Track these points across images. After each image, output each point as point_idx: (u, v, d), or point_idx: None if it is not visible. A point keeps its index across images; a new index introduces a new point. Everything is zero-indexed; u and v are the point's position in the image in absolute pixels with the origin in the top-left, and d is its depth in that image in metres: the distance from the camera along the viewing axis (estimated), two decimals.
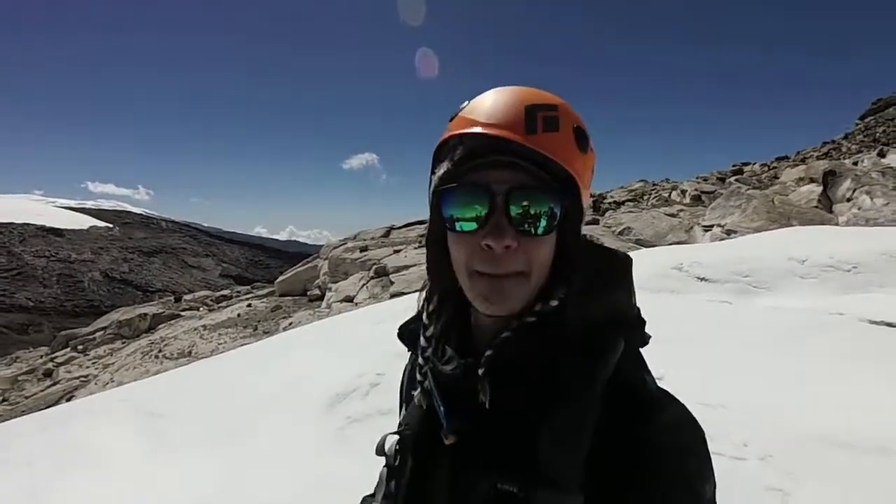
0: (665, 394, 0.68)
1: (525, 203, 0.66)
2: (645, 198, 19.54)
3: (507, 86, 0.72)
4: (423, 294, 0.82)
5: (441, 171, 0.71)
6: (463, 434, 0.69)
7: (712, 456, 0.65)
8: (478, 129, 0.68)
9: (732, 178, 18.69)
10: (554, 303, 0.69)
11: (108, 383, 12.68)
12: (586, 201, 0.73)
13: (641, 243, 13.33)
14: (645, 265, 6.36)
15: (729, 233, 12.61)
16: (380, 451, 0.81)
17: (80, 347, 18.09)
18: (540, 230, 0.67)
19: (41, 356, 19.54)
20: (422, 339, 0.78)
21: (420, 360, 0.77)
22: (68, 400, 11.51)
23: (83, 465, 3.79)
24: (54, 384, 14.63)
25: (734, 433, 2.76)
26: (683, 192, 18.70)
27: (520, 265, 0.67)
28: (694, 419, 0.66)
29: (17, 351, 23.45)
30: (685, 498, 0.61)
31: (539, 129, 0.66)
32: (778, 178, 17.74)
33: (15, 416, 9.13)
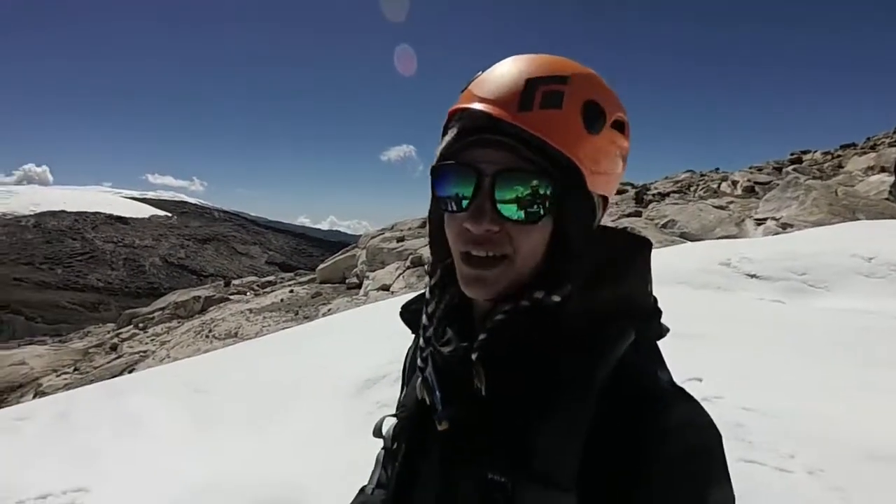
0: (678, 390, 0.62)
1: (512, 187, 0.61)
2: (692, 189, 18.57)
3: (529, 54, 0.67)
4: (426, 268, 0.79)
5: (440, 146, 0.68)
6: (456, 420, 0.66)
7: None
8: (475, 105, 0.63)
9: (790, 168, 17.44)
10: (556, 298, 0.63)
11: (164, 359, 13.51)
12: (600, 187, 0.66)
13: (686, 237, 12.74)
14: (689, 260, 6.08)
15: (784, 226, 11.85)
16: (377, 433, 0.79)
17: (141, 325, 19.33)
18: (525, 216, 0.62)
19: (108, 332, 21.05)
20: (423, 316, 0.75)
21: (422, 342, 0.74)
22: (130, 372, 12.34)
23: (136, 432, 4.08)
24: (118, 357, 15.75)
25: (780, 443, 2.58)
26: (734, 182, 17.66)
27: (504, 248, 0.63)
28: (709, 419, 0.60)
29: (88, 326, 25.39)
30: (689, 502, 0.56)
31: (535, 106, 0.60)
32: (843, 167, 16.45)
33: (83, 385, 9.89)
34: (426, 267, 0.75)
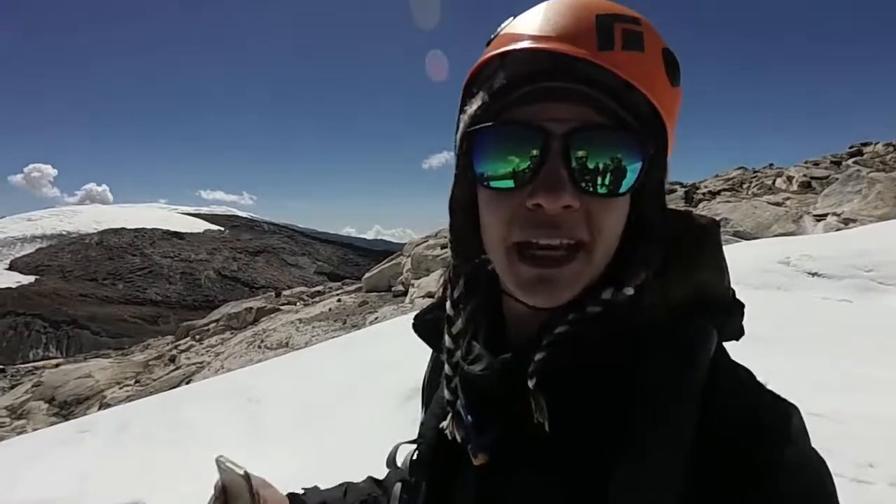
0: (778, 396, 0.50)
1: (593, 149, 0.47)
2: (744, 186, 17.71)
3: None
4: (445, 276, 0.63)
5: (474, 106, 0.52)
6: (496, 453, 0.54)
7: None
8: (526, 44, 0.49)
9: (850, 161, 16.36)
10: (629, 290, 0.51)
11: (219, 369, 14.05)
12: (672, 151, 0.54)
13: (741, 235, 12.16)
14: (745, 259, 5.81)
15: (847, 222, 11.15)
16: (390, 463, 0.68)
17: (197, 337, 20.21)
18: (612, 188, 0.48)
19: (167, 344, 22.11)
20: (446, 337, 0.59)
21: (448, 369, 0.60)
22: (187, 383, 12.91)
23: (191, 442, 4.24)
24: (177, 369, 16.49)
25: (856, 451, 2.42)
26: (790, 178, 16.72)
27: (581, 234, 0.49)
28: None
29: (149, 339, 26.80)
30: None
31: (617, 45, 0.48)
32: None
33: (144, 396, 10.44)
34: (446, 274, 0.61)
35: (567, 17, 0.49)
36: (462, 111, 0.55)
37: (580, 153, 0.47)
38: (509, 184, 0.50)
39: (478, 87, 0.53)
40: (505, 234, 0.51)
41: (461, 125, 0.54)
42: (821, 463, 0.47)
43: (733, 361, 0.52)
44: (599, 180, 0.48)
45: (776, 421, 0.46)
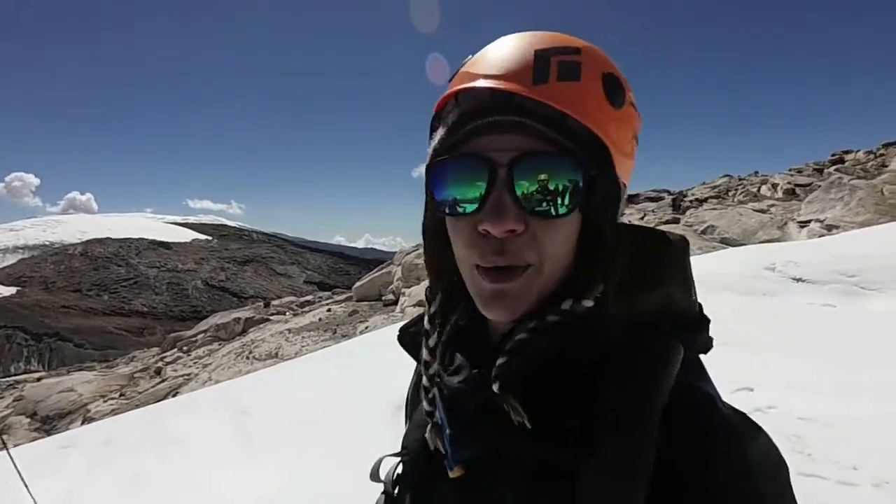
0: (744, 418, 0.52)
1: (534, 174, 0.51)
2: (730, 194, 18.03)
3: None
4: (425, 293, 0.67)
5: (434, 140, 0.58)
6: (472, 465, 0.56)
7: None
8: (475, 83, 0.55)
9: (832, 169, 16.75)
10: (588, 303, 0.54)
11: (206, 381, 13.84)
12: (624, 172, 0.57)
13: (727, 242, 12.35)
14: (732, 265, 5.90)
15: (830, 228, 11.39)
16: (374, 476, 0.69)
17: (184, 348, 19.91)
18: (554, 209, 0.52)
19: (153, 356, 21.74)
20: (424, 350, 0.63)
21: (425, 380, 0.62)
22: (174, 395, 12.69)
23: (180, 454, 4.17)
24: (163, 381, 16.21)
25: (842, 454, 2.46)
26: (774, 185, 17.08)
27: (529, 255, 0.53)
28: (779, 454, 0.51)
29: (134, 351, 26.32)
30: None
31: (551, 77, 0.52)
32: (887, 166, 15.70)
33: (129, 409, 10.26)
34: (425, 292, 0.67)
35: (509, 55, 0.55)
36: (429, 145, 0.60)
37: (523, 178, 0.51)
38: (464, 210, 0.54)
39: (439, 123, 0.59)
40: (467, 254, 0.56)
41: (427, 158, 0.59)
42: (780, 479, 0.50)
43: (696, 379, 0.54)
44: (542, 203, 0.52)
45: (728, 454, 0.48)
